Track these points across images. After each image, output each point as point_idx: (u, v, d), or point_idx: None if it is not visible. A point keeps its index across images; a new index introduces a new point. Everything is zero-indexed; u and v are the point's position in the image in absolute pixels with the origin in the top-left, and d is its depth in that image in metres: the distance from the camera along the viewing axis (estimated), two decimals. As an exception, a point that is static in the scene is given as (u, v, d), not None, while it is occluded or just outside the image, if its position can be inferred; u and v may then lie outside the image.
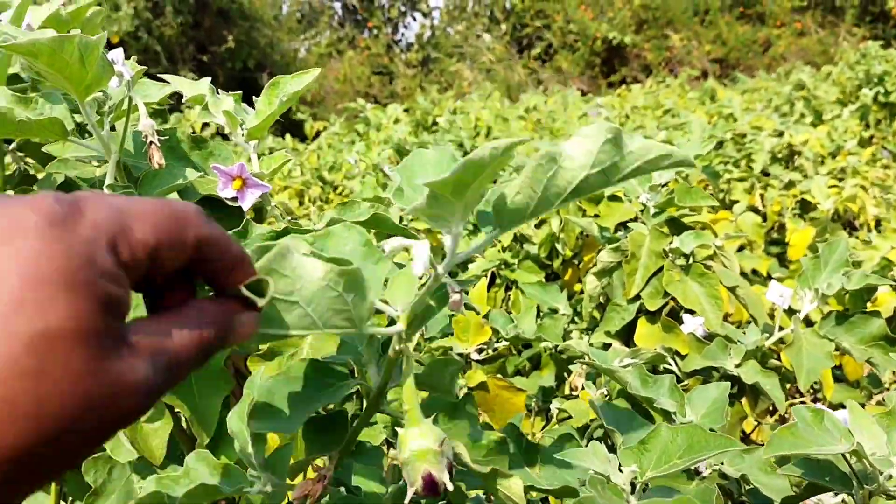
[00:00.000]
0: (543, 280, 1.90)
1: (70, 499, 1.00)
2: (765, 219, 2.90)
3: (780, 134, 3.74)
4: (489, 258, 2.08)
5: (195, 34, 10.73)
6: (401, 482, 0.65)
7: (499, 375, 1.37)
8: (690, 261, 1.34)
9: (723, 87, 8.09)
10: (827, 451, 0.64)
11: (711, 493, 0.81)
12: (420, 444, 0.49)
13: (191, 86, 0.88)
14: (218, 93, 0.86)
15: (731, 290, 1.30)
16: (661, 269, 1.34)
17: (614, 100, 7.26)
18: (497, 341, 1.41)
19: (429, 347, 1.36)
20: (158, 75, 0.91)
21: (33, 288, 0.27)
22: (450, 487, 0.48)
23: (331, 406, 0.65)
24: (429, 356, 1.23)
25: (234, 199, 0.77)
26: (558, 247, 1.94)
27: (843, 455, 0.81)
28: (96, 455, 0.83)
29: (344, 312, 0.43)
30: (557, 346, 1.72)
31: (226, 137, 0.89)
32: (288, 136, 6.44)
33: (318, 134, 7.22)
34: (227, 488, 0.57)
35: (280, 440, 0.74)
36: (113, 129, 0.80)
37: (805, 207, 2.93)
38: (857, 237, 2.64)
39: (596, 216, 1.86)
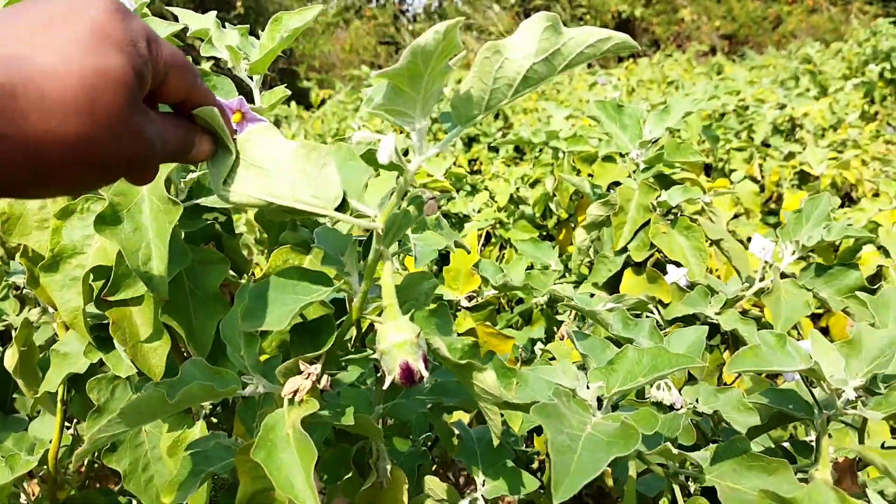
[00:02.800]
0: (537, 238, 1.92)
1: (75, 420, 1.05)
2: (762, 189, 2.91)
3: (783, 107, 3.73)
4: (484, 217, 2.11)
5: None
6: (379, 374, 0.68)
7: (487, 323, 1.41)
8: (678, 215, 1.36)
9: (731, 63, 8.03)
10: (785, 368, 0.67)
11: (678, 419, 0.84)
12: (398, 337, 0.54)
13: (197, 19, 0.89)
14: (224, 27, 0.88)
15: (716, 242, 1.32)
16: (648, 222, 1.37)
17: (621, 73, 7.21)
18: (486, 290, 1.44)
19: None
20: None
21: (100, 41, 0.39)
22: (425, 375, 0.53)
23: (318, 314, 0.69)
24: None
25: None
26: (552, 206, 1.96)
27: (804, 381, 0.84)
28: (99, 376, 0.87)
29: (311, 188, 0.49)
30: (549, 301, 1.75)
31: (228, 73, 0.91)
32: (293, 104, 6.46)
33: (323, 102, 7.22)
34: (220, 388, 0.61)
35: (270, 352, 0.77)
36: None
37: (804, 178, 2.94)
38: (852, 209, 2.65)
39: (590, 176, 1.88)
